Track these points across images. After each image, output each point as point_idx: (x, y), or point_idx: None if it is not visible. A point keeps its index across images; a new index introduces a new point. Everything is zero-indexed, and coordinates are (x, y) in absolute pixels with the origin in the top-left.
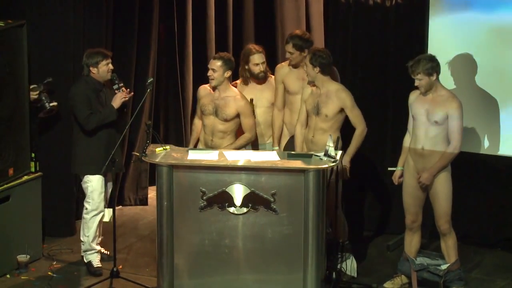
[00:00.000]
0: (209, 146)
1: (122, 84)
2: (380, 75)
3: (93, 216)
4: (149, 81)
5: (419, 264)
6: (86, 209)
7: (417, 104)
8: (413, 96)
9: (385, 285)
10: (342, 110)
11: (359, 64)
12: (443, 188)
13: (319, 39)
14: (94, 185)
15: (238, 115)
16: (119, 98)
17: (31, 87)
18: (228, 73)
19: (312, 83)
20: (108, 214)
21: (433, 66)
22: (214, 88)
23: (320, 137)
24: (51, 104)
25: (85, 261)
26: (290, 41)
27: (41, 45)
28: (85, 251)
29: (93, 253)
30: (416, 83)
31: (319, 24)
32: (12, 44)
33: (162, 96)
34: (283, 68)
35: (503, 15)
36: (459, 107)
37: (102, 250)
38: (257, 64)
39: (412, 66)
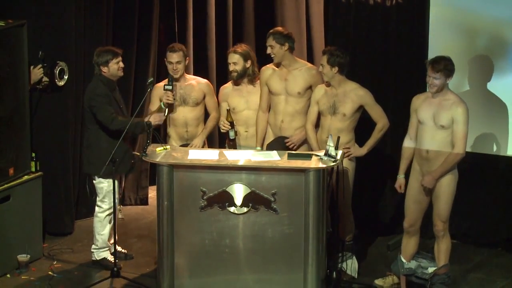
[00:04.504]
0: (185, 138)
1: (170, 88)
2: (380, 76)
3: (107, 215)
4: (149, 81)
5: (408, 268)
6: (101, 208)
7: (424, 108)
8: (419, 101)
9: (376, 281)
10: (359, 109)
11: (359, 64)
12: (445, 190)
13: (319, 39)
14: (110, 186)
15: (203, 98)
16: (157, 119)
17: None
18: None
19: (327, 83)
20: (119, 212)
21: (452, 69)
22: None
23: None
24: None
25: (98, 258)
26: (271, 35)
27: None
28: (99, 248)
29: (107, 250)
30: (431, 81)
31: (320, 24)
32: (13, 44)
33: None
34: (267, 69)
35: (504, 15)
36: (464, 112)
37: (119, 248)
38: (229, 64)
39: (434, 62)
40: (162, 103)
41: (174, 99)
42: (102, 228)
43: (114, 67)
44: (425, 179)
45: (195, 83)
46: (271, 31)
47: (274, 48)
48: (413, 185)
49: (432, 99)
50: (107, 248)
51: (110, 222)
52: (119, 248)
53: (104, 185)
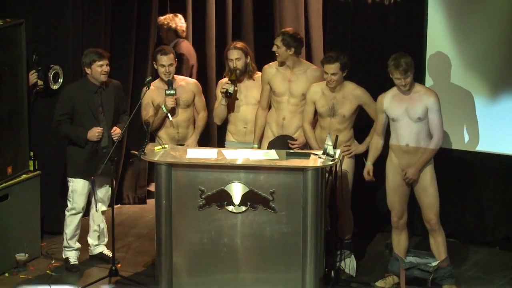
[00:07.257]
0: (176, 139)
1: (174, 92)
2: (378, 74)
3: (71, 215)
4: (147, 79)
5: (409, 262)
6: (67, 206)
7: (394, 105)
8: (387, 99)
9: (377, 283)
10: (357, 109)
11: (358, 63)
12: (431, 182)
13: (317, 38)
14: (74, 185)
15: (194, 99)
16: (95, 135)
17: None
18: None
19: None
20: (100, 208)
21: (413, 63)
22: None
23: None
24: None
25: (63, 256)
26: (281, 35)
27: (40, 44)
28: (64, 247)
29: (71, 250)
30: (402, 82)
31: (318, 22)
32: (11, 42)
33: None
34: (270, 68)
35: (502, 15)
36: (437, 101)
37: (105, 251)
38: (231, 60)
39: (396, 66)
40: (163, 107)
41: (177, 102)
42: (66, 226)
43: (97, 70)
44: (409, 172)
45: (185, 84)
46: (283, 30)
47: (279, 48)
48: (392, 178)
49: (400, 95)
50: (71, 249)
51: (74, 224)
52: (106, 252)
53: (69, 184)
